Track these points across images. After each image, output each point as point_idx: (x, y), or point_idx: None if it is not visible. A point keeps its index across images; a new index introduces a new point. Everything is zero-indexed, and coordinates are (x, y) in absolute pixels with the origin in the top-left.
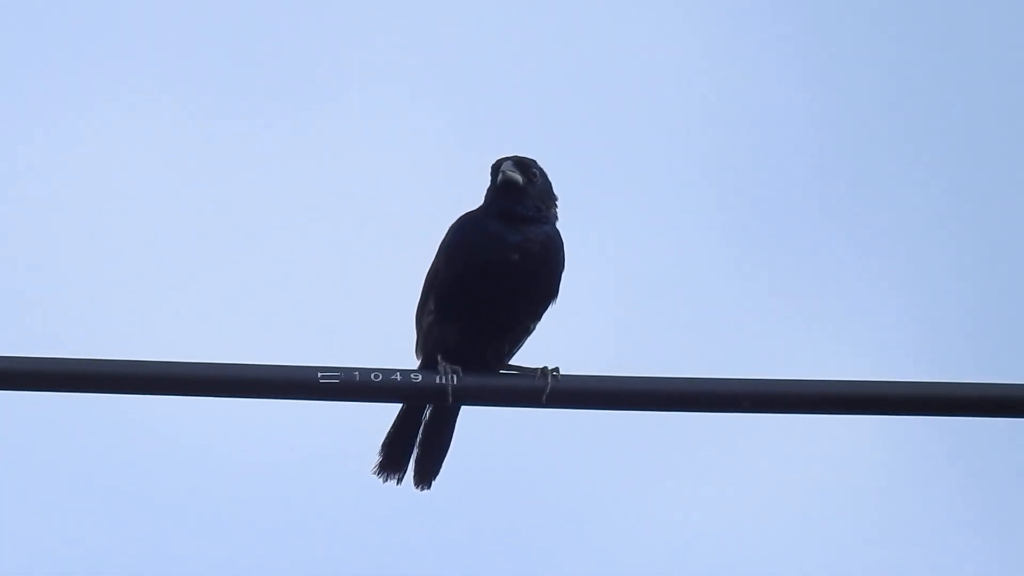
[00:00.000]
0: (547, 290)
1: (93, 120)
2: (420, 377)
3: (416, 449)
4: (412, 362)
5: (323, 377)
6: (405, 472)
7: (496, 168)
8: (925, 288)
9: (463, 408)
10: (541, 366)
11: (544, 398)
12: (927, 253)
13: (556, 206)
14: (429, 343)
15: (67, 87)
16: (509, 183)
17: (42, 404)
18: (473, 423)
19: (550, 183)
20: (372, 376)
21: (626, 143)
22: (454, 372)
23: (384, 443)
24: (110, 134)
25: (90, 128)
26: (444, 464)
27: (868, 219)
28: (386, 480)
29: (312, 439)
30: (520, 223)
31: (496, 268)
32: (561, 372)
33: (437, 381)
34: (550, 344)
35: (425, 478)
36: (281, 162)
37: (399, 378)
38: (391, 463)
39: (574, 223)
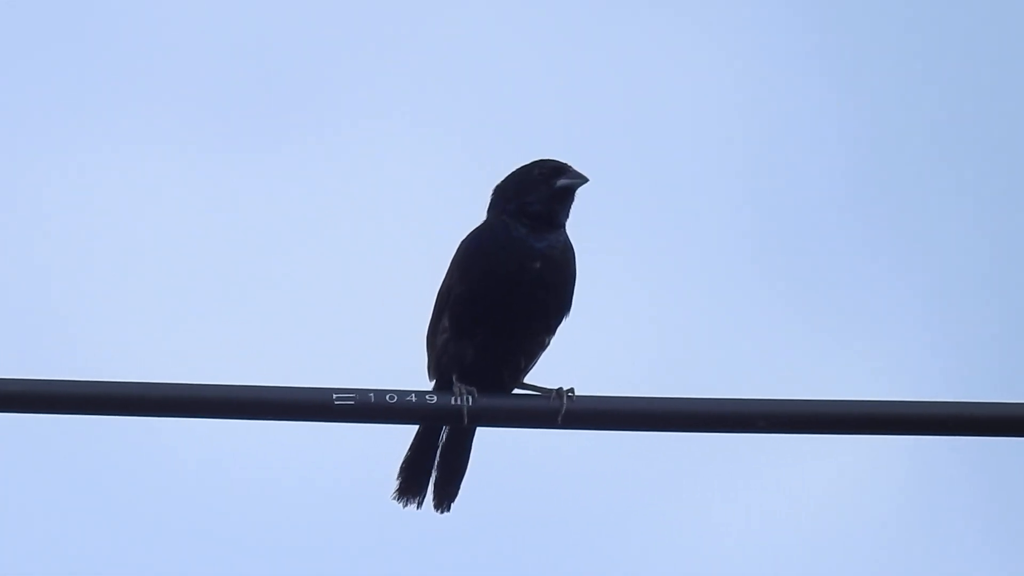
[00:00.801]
0: (563, 301)
1: (102, 143)
2: (435, 399)
3: (435, 472)
4: (425, 383)
5: (338, 399)
6: (425, 495)
7: (553, 170)
8: (951, 306)
9: (479, 429)
10: (556, 387)
11: (560, 419)
12: (952, 271)
13: (568, 214)
14: (444, 362)
15: (71, 113)
16: (572, 189)
17: (57, 426)
18: (489, 443)
19: None
20: (387, 398)
21: (649, 158)
22: (469, 393)
23: (402, 467)
24: (121, 158)
25: (99, 152)
26: (462, 486)
27: (895, 238)
28: (406, 504)
29: (329, 462)
30: (545, 229)
31: (517, 275)
32: (576, 393)
33: (452, 403)
34: (570, 362)
35: (444, 500)
36: (293, 184)
37: (414, 399)
38: (410, 487)
39: (593, 239)
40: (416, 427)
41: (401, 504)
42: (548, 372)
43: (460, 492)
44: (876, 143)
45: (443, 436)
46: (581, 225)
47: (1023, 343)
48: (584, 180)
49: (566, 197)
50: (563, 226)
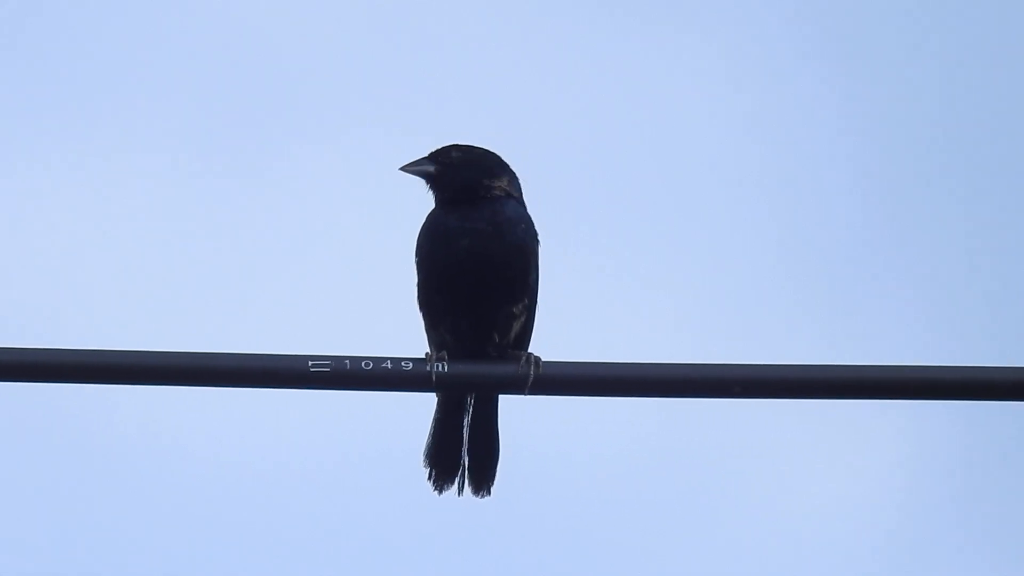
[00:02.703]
0: (516, 269)
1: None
2: (411, 365)
3: (466, 456)
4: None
5: (314, 366)
6: (462, 480)
7: None
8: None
9: (505, 410)
10: (527, 352)
11: (527, 386)
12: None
13: (506, 182)
14: (431, 345)
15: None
16: (417, 175)
17: (36, 395)
18: (534, 420)
19: (489, 160)
20: (363, 364)
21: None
22: (440, 360)
23: (429, 454)
24: (108, 141)
25: (90, 139)
26: (498, 466)
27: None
28: (443, 491)
29: (331, 434)
30: (465, 208)
31: (451, 258)
32: (543, 359)
33: (427, 369)
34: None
35: (483, 483)
36: (274, 156)
37: (390, 366)
38: (443, 473)
39: (599, 215)
40: (434, 409)
41: (438, 492)
42: (558, 339)
43: (497, 474)
44: (883, 140)
45: (467, 418)
46: (588, 209)
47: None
48: (413, 173)
49: (430, 181)
50: (496, 198)
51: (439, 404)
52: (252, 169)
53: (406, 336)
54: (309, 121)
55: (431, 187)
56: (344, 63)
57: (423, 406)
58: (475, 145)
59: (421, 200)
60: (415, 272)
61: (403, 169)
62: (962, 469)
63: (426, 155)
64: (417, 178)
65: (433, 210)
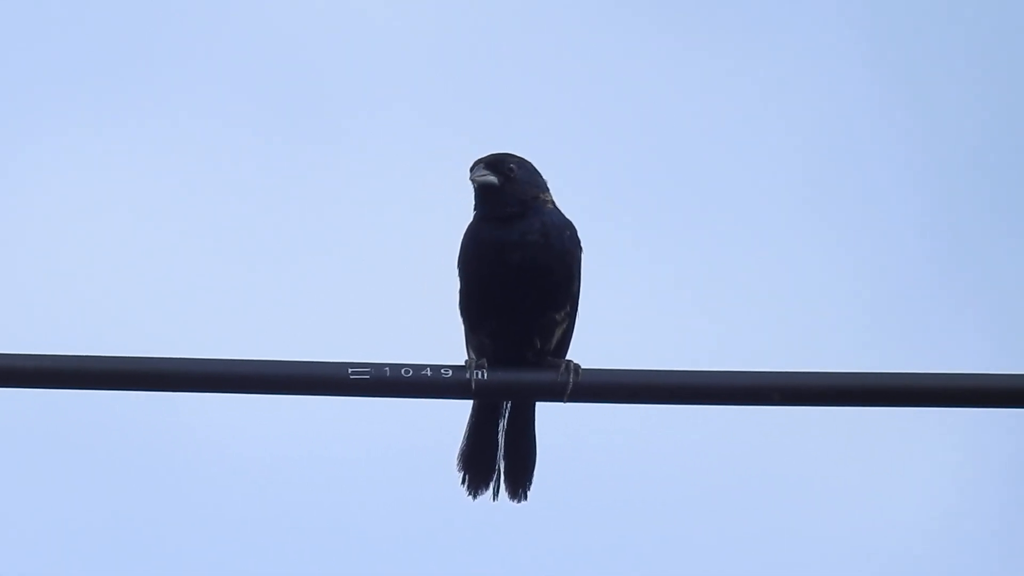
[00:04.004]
0: (562, 278)
1: (123, 126)
2: (450, 373)
3: (502, 460)
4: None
5: (353, 373)
6: (497, 484)
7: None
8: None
9: (542, 412)
10: (566, 360)
11: (567, 394)
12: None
13: (547, 193)
14: (470, 351)
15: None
16: (484, 187)
17: (75, 402)
18: (572, 424)
19: (535, 172)
20: (402, 372)
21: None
22: (480, 368)
23: (464, 457)
24: (141, 139)
25: (121, 133)
26: (535, 470)
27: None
28: (477, 495)
29: (363, 439)
30: (512, 221)
31: (501, 270)
32: (583, 367)
33: (466, 377)
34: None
35: (519, 488)
36: (313, 159)
37: (429, 373)
38: (478, 477)
39: (637, 222)
40: (469, 414)
41: (471, 496)
42: (593, 345)
43: (535, 478)
44: (932, 143)
45: (503, 423)
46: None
47: None
48: (475, 181)
49: (482, 194)
50: (539, 208)
51: (475, 409)
52: (292, 177)
53: (444, 343)
54: (346, 127)
55: (487, 198)
56: (384, 72)
57: (453, 410)
58: (516, 154)
59: (459, 207)
60: (457, 278)
61: (475, 180)
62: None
63: (480, 164)
64: (469, 186)
65: (479, 221)
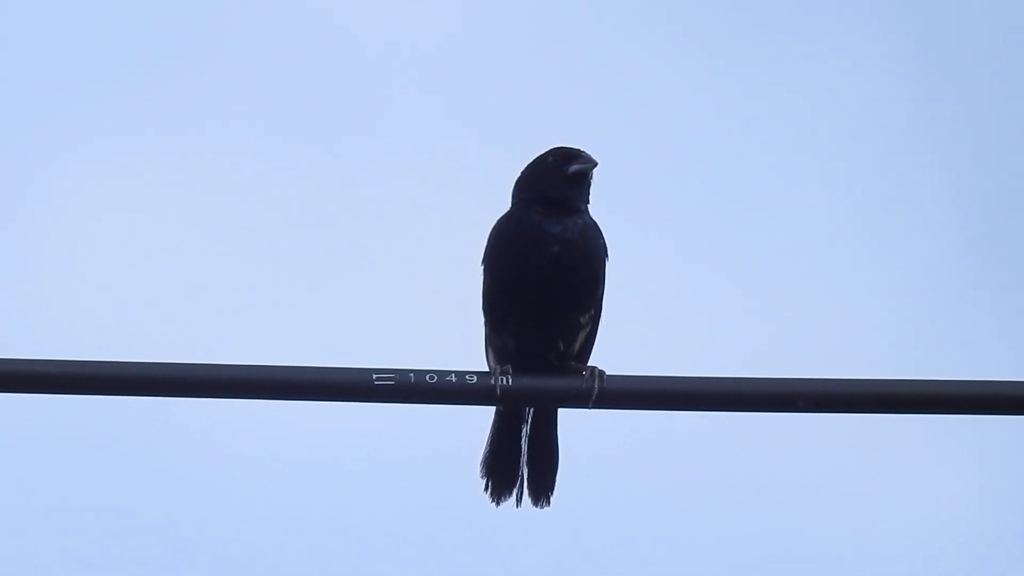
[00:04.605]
0: (589, 280)
1: (135, 131)
2: (475, 379)
3: (525, 466)
4: (469, 365)
5: (378, 379)
6: (521, 491)
7: (564, 156)
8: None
9: (565, 418)
10: (591, 366)
11: (592, 400)
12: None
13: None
14: (491, 354)
15: (94, 107)
16: (585, 173)
17: (97, 407)
18: (594, 430)
19: None
20: (427, 378)
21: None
22: (505, 374)
23: (487, 464)
24: (158, 147)
25: (135, 138)
26: (558, 477)
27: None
28: (500, 502)
29: (384, 444)
30: (561, 214)
31: (536, 261)
32: (607, 372)
33: (491, 383)
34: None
35: (542, 494)
36: (331, 165)
37: (454, 379)
38: (501, 483)
39: (661, 228)
40: (492, 421)
41: (495, 504)
42: (620, 350)
43: (557, 484)
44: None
45: (526, 429)
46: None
47: None
48: (594, 164)
49: (579, 182)
50: (582, 210)
51: (498, 415)
52: (318, 182)
53: (466, 349)
54: (370, 129)
55: (582, 184)
56: (407, 76)
57: (473, 416)
58: None
59: (480, 211)
60: (483, 273)
61: (587, 160)
62: None
63: (586, 152)
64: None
65: (519, 211)
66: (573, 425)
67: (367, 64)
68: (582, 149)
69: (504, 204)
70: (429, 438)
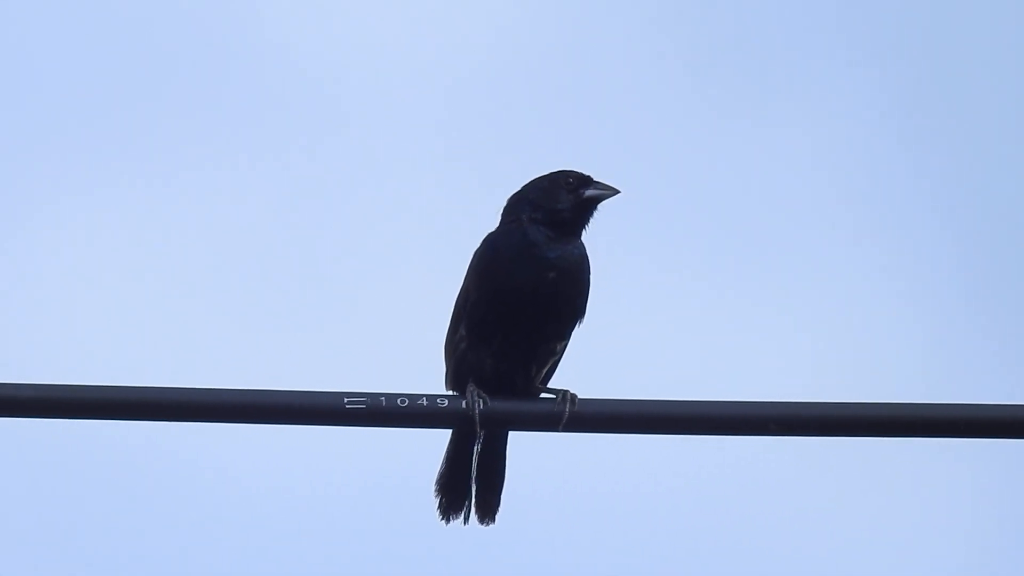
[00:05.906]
0: (576, 309)
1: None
2: (447, 403)
3: (474, 484)
4: (440, 389)
5: (349, 403)
6: (469, 510)
7: (580, 181)
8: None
9: (512, 436)
10: (563, 390)
11: (561, 424)
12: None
13: None
14: (463, 370)
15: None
16: (599, 200)
17: (70, 431)
18: (520, 449)
19: None
20: (399, 401)
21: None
22: (481, 398)
23: (440, 484)
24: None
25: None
26: (503, 495)
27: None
28: (450, 521)
29: (346, 468)
30: (562, 238)
31: (531, 285)
32: (579, 396)
33: (464, 406)
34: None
35: (488, 512)
36: (308, 185)
37: (425, 403)
38: (453, 503)
39: (632, 250)
40: (448, 440)
41: (445, 522)
42: (596, 375)
43: (502, 502)
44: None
45: (478, 447)
46: (622, 232)
47: None
48: (614, 192)
49: (591, 208)
50: (580, 236)
51: (454, 436)
52: (287, 208)
53: (434, 373)
54: (350, 160)
55: (584, 211)
56: (410, 106)
57: (424, 436)
58: None
59: (454, 238)
60: (470, 289)
61: (606, 187)
62: None
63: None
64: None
65: (522, 228)
66: (521, 444)
67: (329, 104)
68: (570, 171)
69: (473, 232)
70: (393, 459)
